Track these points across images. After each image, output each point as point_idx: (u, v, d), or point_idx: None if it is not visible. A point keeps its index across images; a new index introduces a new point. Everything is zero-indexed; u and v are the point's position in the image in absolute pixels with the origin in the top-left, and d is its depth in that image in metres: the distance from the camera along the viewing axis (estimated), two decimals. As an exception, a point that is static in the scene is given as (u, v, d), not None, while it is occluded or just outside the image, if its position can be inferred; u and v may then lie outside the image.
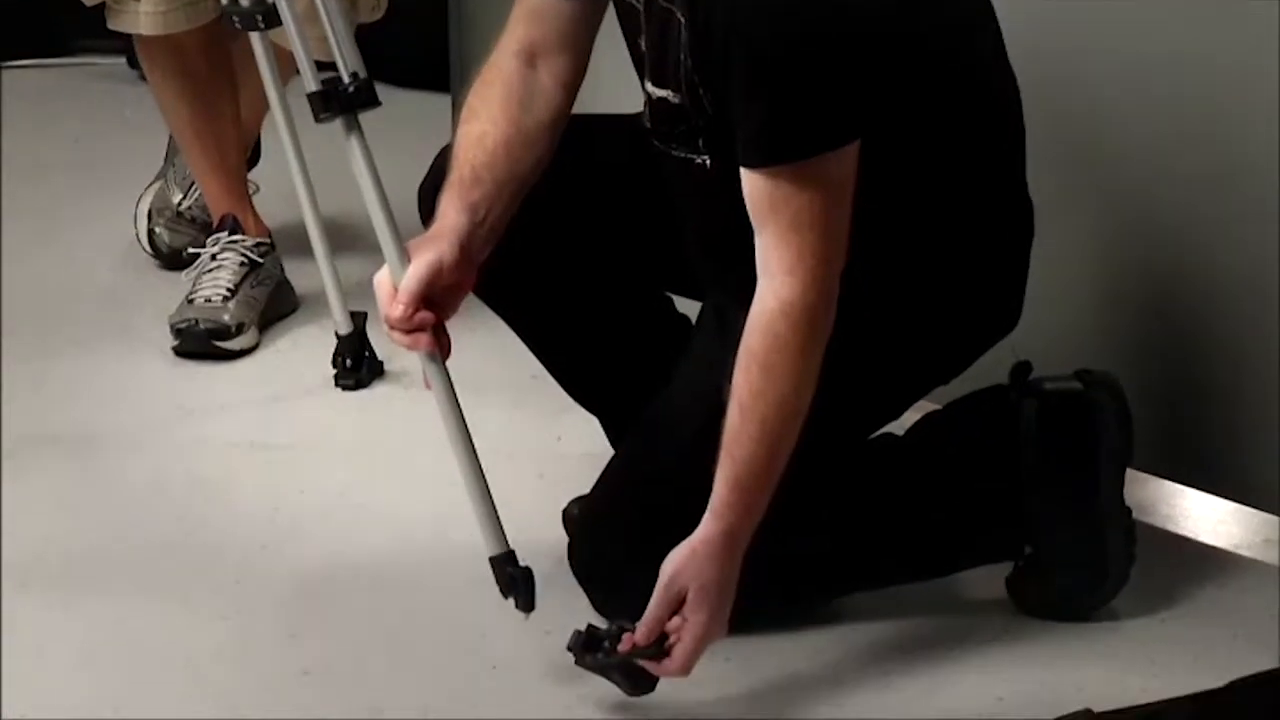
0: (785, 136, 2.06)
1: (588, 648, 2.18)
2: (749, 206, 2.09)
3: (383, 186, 2.24)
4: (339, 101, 2.22)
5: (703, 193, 2.19)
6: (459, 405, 2.21)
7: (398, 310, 2.16)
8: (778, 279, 2.08)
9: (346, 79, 2.21)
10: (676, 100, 2.19)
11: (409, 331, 2.17)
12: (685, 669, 2.16)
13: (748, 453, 2.11)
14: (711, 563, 2.13)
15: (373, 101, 2.23)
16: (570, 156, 2.31)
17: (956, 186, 2.26)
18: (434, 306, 2.18)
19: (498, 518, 2.22)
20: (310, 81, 2.23)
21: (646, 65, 2.23)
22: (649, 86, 2.24)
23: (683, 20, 2.12)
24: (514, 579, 2.21)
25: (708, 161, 2.17)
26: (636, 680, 2.18)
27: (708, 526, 2.13)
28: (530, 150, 2.26)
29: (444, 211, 2.21)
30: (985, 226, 2.29)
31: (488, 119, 2.25)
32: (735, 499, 2.12)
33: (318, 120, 2.22)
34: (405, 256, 2.18)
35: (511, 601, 2.25)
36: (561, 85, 2.29)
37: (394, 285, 2.18)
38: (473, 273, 2.21)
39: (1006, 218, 2.31)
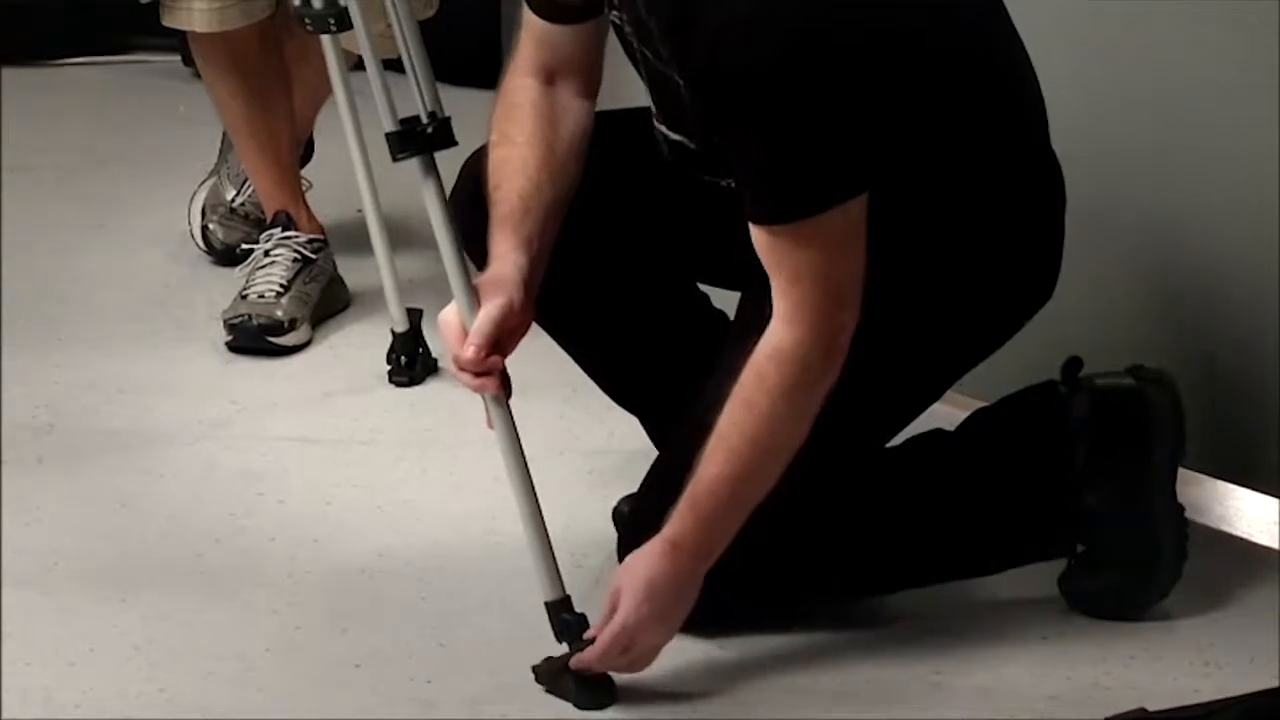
0: (780, 197, 2.09)
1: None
2: (756, 250, 2.11)
3: (457, 229, 2.25)
4: (417, 142, 2.21)
5: (732, 205, 2.19)
6: (521, 446, 2.23)
7: (469, 353, 2.19)
8: (777, 325, 2.12)
9: (425, 118, 2.21)
10: (693, 146, 2.22)
11: (478, 374, 2.19)
12: (596, 662, 2.18)
13: (709, 475, 2.15)
14: (643, 564, 2.17)
15: (450, 141, 2.23)
16: (592, 158, 2.32)
17: (977, 163, 2.24)
18: (496, 347, 2.21)
19: (555, 564, 2.23)
20: (388, 121, 2.22)
21: (656, 111, 2.27)
22: (663, 129, 2.26)
23: (680, 82, 2.14)
24: (569, 624, 2.22)
25: (733, 184, 2.18)
26: (585, 691, 2.19)
27: (660, 532, 2.17)
28: (567, 166, 2.29)
29: (502, 251, 2.23)
30: (1011, 196, 2.27)
31: (523, 142, 2.28)
32: (686, 512, 2.16)
33: (395, 159, 2.23)
34: (475, 298, 2.20)
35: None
36: (582, 96, 2.33)
37: (463, 326, 2.20)
38: (533, 311, 2.24)
39: (1032, 186, 2.30)
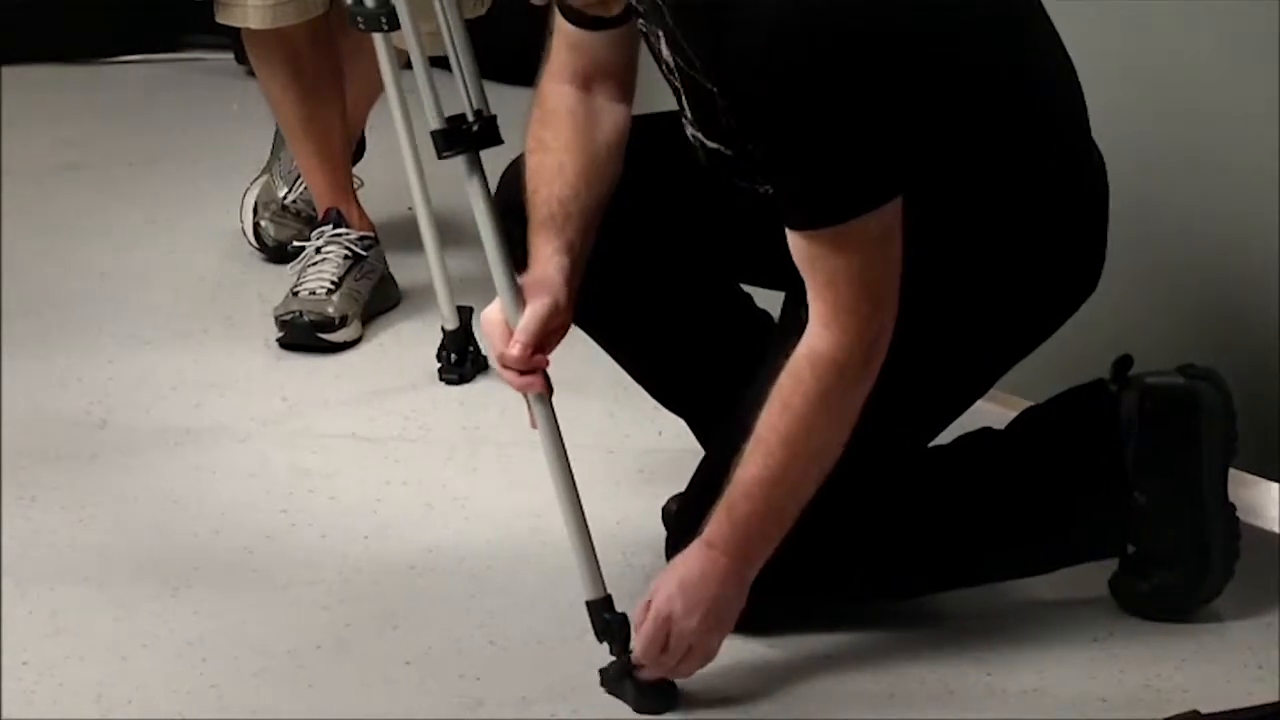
0: (815, 203, 2.09)
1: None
2: (792, 255, 2.12)
3: (502, 227, 2.25)
4: (462, 140, 2.22)
5: (770, 208, 2.19)
6: (564, 445, 2.23)
7: (515, 351, 2.20)
8: (814, 329, 2.11)
9: (470, 116, 2.22)
10: (730, 153, 2.22)
11: (523, 372, 2.20)
12: (641, 656, 2.18)
13: (744, 477, 2.15)
14: (679, 562, 2.19)
15: (495, 140, 2.23)
16: (629, 162, 2.32)
17: (1010, 159, 2.23)
18: (540, 347, 2.22)
19: (597, 563, 2.24)
20: (434, 119, 2.23)
21: (691, 119, 2.27)
22: (699, 135, 2.27)
23: (715, 90, 2.13)
24: (609, 624, 2.22)
25: (769, 190, 2.18)
26: (644, 695, 2.20)
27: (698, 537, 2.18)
28: (605, 171, 2.29)
29: (545, 254, 2.24)
30: (1048, 191, 2.26)
31: (561, 149, 2.28)
32: (722, 513, 2.17)
33: (440, 157, 2.24)
34: (520, 297, 2.21)
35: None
36: (619, 101, 2.33)
37: (507, 325, 2.21)
38: (574, 313, 2.24)
39: (1069, 179, 2.28)
